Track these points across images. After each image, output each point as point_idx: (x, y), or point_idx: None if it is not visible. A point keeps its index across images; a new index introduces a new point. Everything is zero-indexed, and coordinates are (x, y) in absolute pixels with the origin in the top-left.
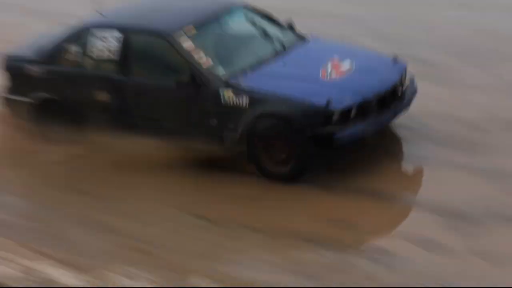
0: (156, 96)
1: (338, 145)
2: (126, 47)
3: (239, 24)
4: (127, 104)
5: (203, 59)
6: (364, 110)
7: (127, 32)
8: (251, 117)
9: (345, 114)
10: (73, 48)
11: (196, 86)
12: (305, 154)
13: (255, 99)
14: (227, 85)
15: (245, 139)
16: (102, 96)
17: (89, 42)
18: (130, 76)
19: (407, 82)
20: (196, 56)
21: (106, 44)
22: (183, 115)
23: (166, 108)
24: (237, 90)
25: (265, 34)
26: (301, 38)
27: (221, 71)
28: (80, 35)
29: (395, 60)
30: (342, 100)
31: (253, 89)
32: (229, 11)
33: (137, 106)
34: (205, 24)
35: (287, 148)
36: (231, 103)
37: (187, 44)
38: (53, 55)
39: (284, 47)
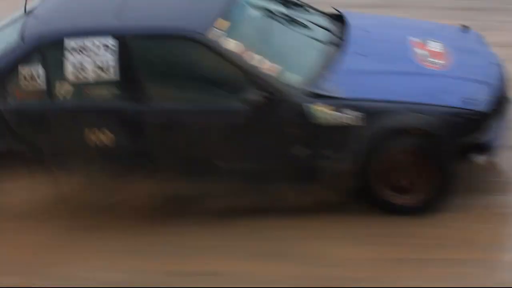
0: (202, 127)
1: (489, 153)
2: (128, 60)
3: (259, 9)
4: (147, 143)
5: (267, 65)
6: (498, 103)
7: (126, 37)
8: (368, 137)
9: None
10: (33, 72)
11: (268, 105)
12: (448, 173)
13: (368, 112)
14: (315, 96)
15: (357, 168)
16: (101, 138)
17: (60, 59)
18: (147, 103)
19: None
20: (254, 62)
21: (92, 59)
22: (251, 147)
23: (222, 141)
24: (335, 103)
25: (299, 20)
26: (337, 17)
27: (295, 79)
28: (41, 51)
29: (467, 31)
30: (479, 96)
31: (359, 99)
32: None
33: (167, 144)
34: (232, 13)
35: (426, 170)
36: (328, 121)
37: (233, 45)
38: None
39: (334, 33)
